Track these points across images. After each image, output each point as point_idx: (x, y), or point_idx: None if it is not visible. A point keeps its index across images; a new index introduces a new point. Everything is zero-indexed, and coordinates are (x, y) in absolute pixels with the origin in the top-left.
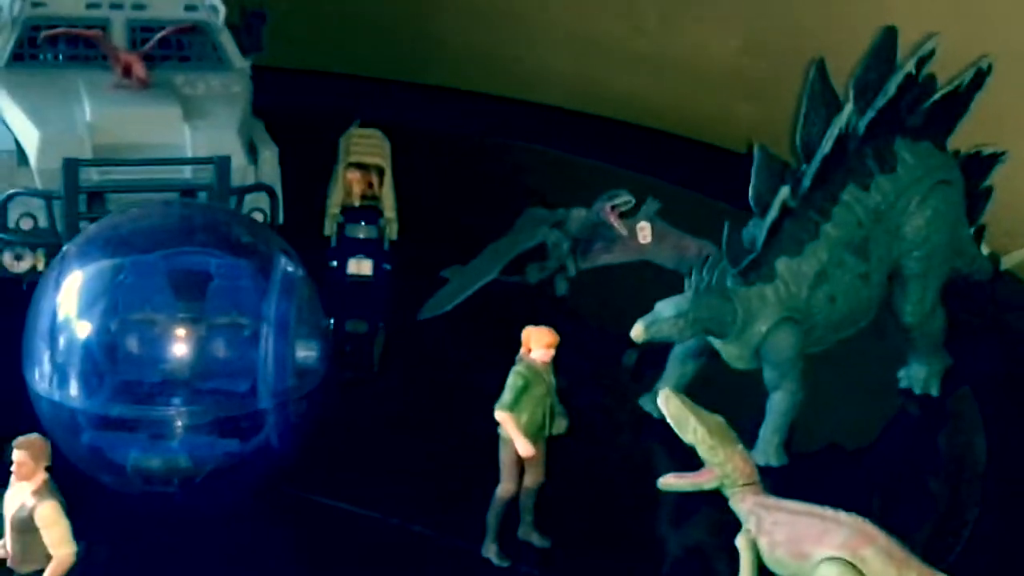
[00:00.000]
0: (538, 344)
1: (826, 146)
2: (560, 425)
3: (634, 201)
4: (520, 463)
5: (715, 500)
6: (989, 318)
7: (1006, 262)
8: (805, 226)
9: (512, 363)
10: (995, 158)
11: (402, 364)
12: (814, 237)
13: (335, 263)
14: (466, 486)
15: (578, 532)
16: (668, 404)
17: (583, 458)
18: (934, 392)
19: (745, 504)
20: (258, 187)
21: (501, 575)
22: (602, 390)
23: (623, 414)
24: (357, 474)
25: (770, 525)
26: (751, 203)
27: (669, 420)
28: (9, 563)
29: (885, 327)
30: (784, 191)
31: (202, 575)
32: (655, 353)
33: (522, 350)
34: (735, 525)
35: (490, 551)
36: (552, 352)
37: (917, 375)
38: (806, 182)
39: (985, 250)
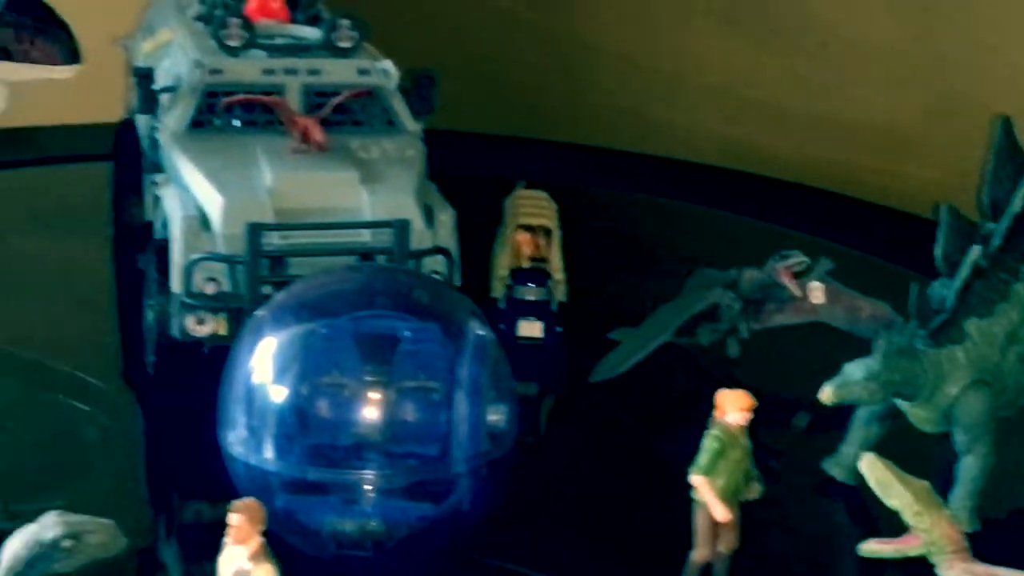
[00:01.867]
0: (734, 407)
1: (1016, 204)
2: (755, 490)
3: (808, 262)
4: (715, 528)
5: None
6: None
7: None
8: (995, 286)
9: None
10: None
11: (577, 427)
12: (1005, 298)
13: (503, 325)
14: (659, 553)
15: None
16: (872, 469)
17: (772, 523)
18: None
19: (954, 571)
20: (436, 250)
21: None
22: (778, 454)
23: (805, 477)
24: (549, 542)
25: None
26: (937, 263)
27: (872, 485)
28: None
29: None
30: (975, 250)
31: None
32: (827, 417)
33: (716, 413)
34: None
35: None
36: (749, 416)
37: None
38: (996, 241)
39: None
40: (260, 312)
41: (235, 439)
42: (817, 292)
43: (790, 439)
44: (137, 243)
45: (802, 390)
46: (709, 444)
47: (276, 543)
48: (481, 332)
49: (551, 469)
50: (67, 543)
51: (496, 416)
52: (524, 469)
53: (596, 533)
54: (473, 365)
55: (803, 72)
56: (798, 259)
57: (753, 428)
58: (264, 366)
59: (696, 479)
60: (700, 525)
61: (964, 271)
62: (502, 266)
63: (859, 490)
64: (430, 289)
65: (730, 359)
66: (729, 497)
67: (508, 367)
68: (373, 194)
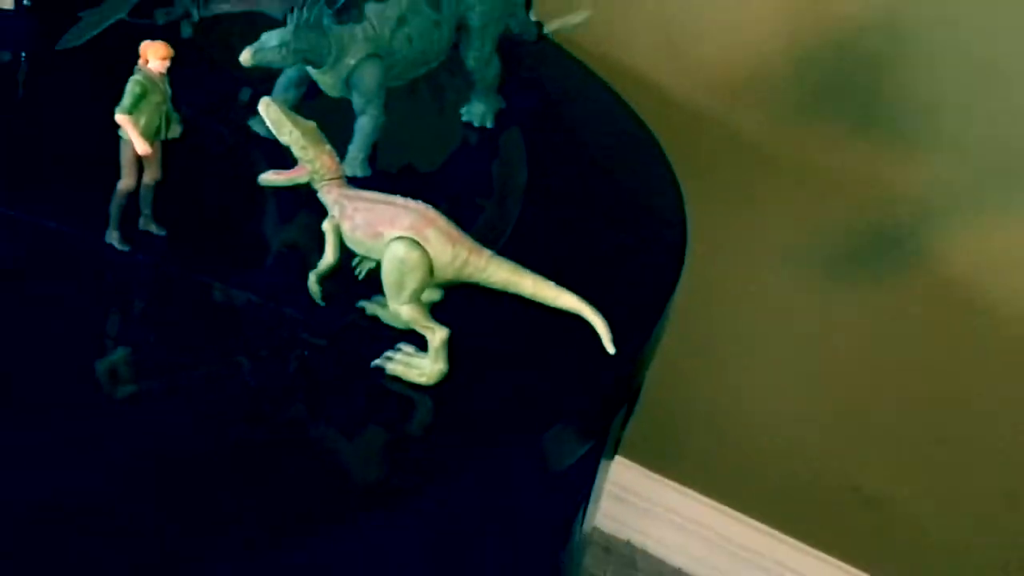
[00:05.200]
0: (155, 56)
1: None
2: (175, 130)
3: None
4: (139, 162)
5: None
6: (531, 72)
7: (547, 28)
8: None
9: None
10: None
11: (45, 85)
12: None
13: None
14: (88, 183)
15: (191, 225)
16: (268, 110)
17: (197, 164)
18: (489, 125)
19: (331, 195)
20: None
21: (122, 261)
22: (219, 118)
23: (236, 136)
24: (6, 179)
25: (351, 211)
26: None
27: (268, 124)
28: None
29: (454, 72)
30: None
31: None
32: (264, 92)
33: (140, 62)
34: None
35: (112, 237)
36: (167, 64)
37: (476, 111)
38: None
39: (533, 17)
40: None
41: None
42: None
43: (231, 109)
44: None
45: (240, 68)
46: (131, 87)
47: None
48: None
49: (10, 122)
50: None
51: None
52: None
53: (55, 171)
54: None
55: None
56: None
57: (198, 100)
58: None
59: (120, 118)
60: (125, 159)
61: None
62: None
63: (275, 145)
64: None
65: (183, 39)
66: (151, 135)
67: None
68: None
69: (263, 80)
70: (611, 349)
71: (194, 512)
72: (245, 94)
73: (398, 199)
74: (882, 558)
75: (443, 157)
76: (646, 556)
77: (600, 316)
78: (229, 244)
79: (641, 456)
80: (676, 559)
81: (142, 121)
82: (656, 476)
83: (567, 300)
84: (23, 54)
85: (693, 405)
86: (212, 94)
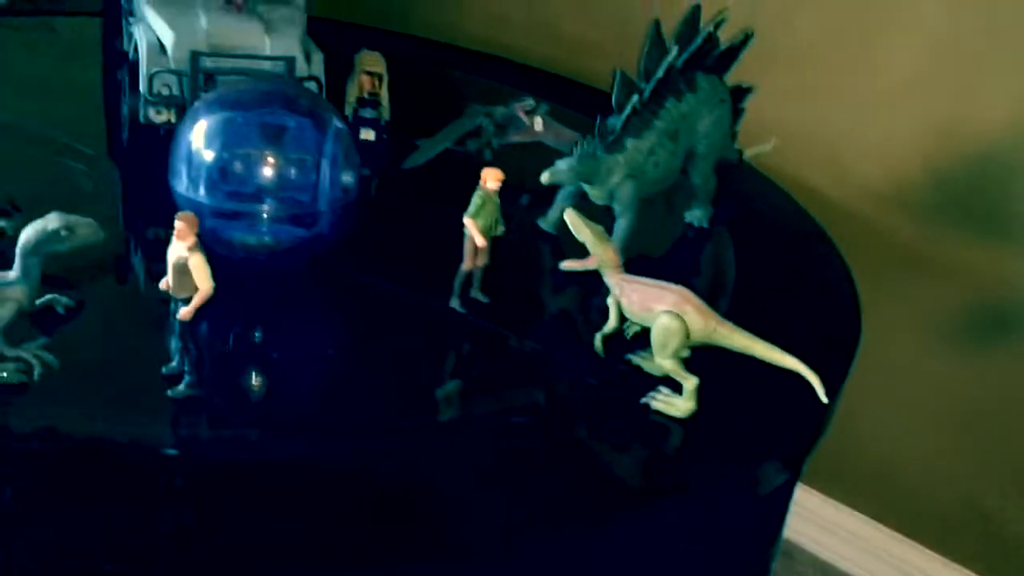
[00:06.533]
0: (492, 178)
1: (659, 72)
2: (499, 230)
3: (535, 104)
4: (475, 251)
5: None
6: (733, 185)
7: (746, 154)
8: (645, 120)
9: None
10: (746, 91)
11: (395, 194)
12: (648, 128)
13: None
14: (439, 265)
15: (508, 296)
16: (570, 216)
17: (506, 252)
18: (705, 225)
19: (613, 279)
20: (311, 78)
21: (459, 318)
22: (511, 219)
23: (527, 229)
24: (381, 259)
25: (628, 291)
26: (614, 105)
27: (570, 227)
28: (170, 292)
29: (680, 187)
30: (635, 98)
31: (273, 307)
32: (542, 197)
33: (480, 182)
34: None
35: (455, 303)
36: (499, 184)
37: (696, 215)
38: (646, 94)
39: (736, 146)
40: (196, 104)
41: (180, 184)
42: (539, 122)
43: (518, 210)
44: (118, 65)
45: (527, 182)
46: (476, 199)
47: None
48: (339, 125)
49: (380, 217)
50: (64, 232)
51: (347, 178)
52: (364, 214)
53: (412, 254)
54: (333, 144)
55: None
56: (529, 102)
57: (500, 197)
58: (199, 138)
59: (467, 221)
60: (467, 247)
61: (627, 109)
62: (351, 95)
63: (559, 237)
64: (308, 97)
65: (485, 160)
66: (485, 232)
67: (356, 151)
68: (272, 39)
69: (538, 190)
70: (825, 399)
71: (521, 495)
72: (525, 199)
73: (663, 283)
74: (996, 569)
75: (672, 248)
76: (801, 550)
77: (815, 374)
78: (536, 310)
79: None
80: (824, 554)
81: (480, 223)
82: (808, 488)
83: (790, 361)
84: (379, 168)
85: (848, 433)
86: (505, 201)
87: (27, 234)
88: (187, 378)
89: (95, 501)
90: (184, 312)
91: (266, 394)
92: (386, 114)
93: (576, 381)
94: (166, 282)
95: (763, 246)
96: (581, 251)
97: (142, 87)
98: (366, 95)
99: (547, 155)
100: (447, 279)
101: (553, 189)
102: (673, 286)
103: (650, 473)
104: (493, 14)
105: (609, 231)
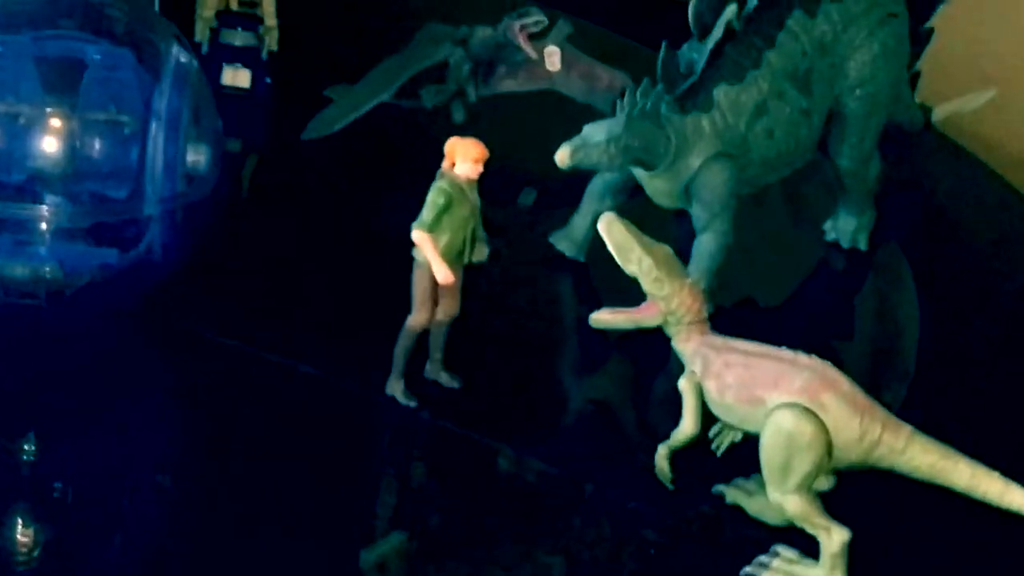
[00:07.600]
0: (465, 158)
1: None
2: (481, 252)
3: (547, 22)
4: (435, 291)
5: (650, 339)
6: (913, 172)
7: (938, 114)
8: (748, 52)
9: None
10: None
11: (285, 187)
12: (757, 65)
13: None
14: (368, 318)
15: (490, 373)
16: (611, 229)
17: (495, 293)
18: (862, 246)
19: (691, 344)
20: None
21: (403, 417)
22: (503, 227)
23: (531, 252)
24: (243, 307)
25: (720, 367)
26: (691, 23)
27: (611, 248)
28: None
29: (817, 172)
30: (731, 9)
31: (64, 397)
32: (556, 193)
33: (444, 164)
34: (677, 369)
35: (395, 389)
36: (480, 168)
37: (845, 227)
38: (752, 2)
39: (917, 100)
40: None
41: None
42: (554, 57)
43: (516, 216)
44: None
45: (530, 164)
46: (434, 197)
47: None
48: (183, 60)
49: (253, 226)
50: None
51: (196, 156)
52: (223, 222)
53: (298, 301)
54: (172, 96)
55: None
56: (536, 18)
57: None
58: None
59: (418, 235)
60: (418, 287)
61: (717, 31)
62: (207, 7)
63: (588, 266)
64: (124, 9)
65: (454, 124)
66: (453, 258)
67: (213, 103)
68: None
69: (550, 178)
70: None
71: None
72: (528, 196)
73: (785, 352)
74: None
75: (799, 286)
76: None
77: None
78: (544, 404)
79: None
80: None
81: (443, 240)
82: None
83: (1018, 498)
84: (257, 143)
85: None
86: (487, 196)
87: None
88: None
89: None
90: None
91: None
92: (271, 40)
93: (623, 538)
94: None
95: (971, 282)
96: (628, 291)
97: None
98: (234, 6)
99: (567, 114)
100: (384, 345)
101: (577, 179)
102: (804, 357)
103: None
104: None
105: (683, 254)
